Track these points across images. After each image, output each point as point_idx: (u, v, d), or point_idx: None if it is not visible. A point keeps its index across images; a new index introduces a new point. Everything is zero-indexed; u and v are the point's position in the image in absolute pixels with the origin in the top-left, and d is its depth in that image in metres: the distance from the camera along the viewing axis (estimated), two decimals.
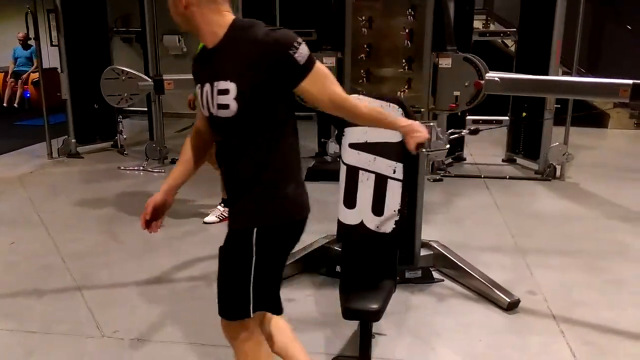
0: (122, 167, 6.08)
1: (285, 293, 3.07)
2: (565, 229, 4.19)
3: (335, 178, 5.55)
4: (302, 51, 1.58)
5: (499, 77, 2.94)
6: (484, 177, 5.48)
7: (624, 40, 8.14)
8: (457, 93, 2.99)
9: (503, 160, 6.22)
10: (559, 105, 5.45)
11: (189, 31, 1.68)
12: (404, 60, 3.04)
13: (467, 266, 3.19)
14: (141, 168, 6.04)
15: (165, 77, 3.02)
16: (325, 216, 4.45)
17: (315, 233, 3.74)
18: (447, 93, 3.01)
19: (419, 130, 1.78)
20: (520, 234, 4.04)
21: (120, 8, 8.14)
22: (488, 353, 2.56)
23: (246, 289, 1.69)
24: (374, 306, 2.11)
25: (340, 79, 3.09)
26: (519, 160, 6.12)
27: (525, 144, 5.96)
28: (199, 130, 1.86)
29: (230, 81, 1.58)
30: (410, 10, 2.99)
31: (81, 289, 3.22)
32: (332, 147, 5.78)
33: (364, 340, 2.22)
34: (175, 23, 1.69)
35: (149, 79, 3.15)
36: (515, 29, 6.03)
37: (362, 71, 3.10)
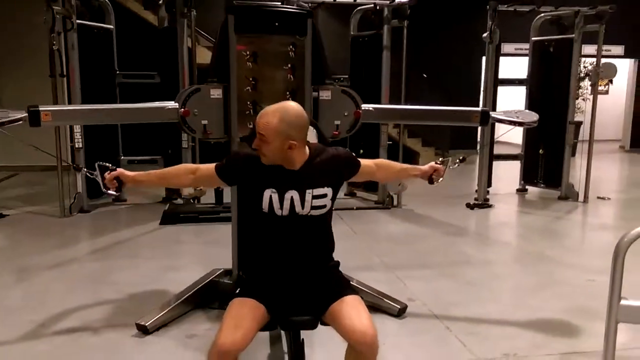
0: None
1: (184, 329, 3.04)
2: (416, 247, 4.72)
3: (191, 220, 5.53)
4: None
5: (373, 107, 3.32)
6: (335, 209, 5.87)
7: (421, 84, 9.56)
8: (337, 122, 3.29)
9: (345, 194, 6.74)
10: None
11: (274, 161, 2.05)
12: (287, 93, 3.23)
13: (356, 282, 3.41)
14: None
15: (42, 107, 2.75)
16: (197, 254, 4.41)
17: (194, 271, 3.66)
18: (328, 122, 3.28)
19: (438, 169, 2.48)
20: (384, 254, 4.44)
21: None
22: (394, 354, 2.78)
23: None
24: (310, 316, 2.18)
25: (227, 110, 3.17)
26: (359, 193, 6.70)
27: None
28: (195, 177, 2.23)
29: (327, 187, 2.08)
30: (291, 47, 3.23)
31: None
32: (187, 188, 5.69)
33: (297, 351, 2.26)
34: (264, 155, 2.04)
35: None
36: (347, 76, 6.69)
37: (248, 103, 3.21)
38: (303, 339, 2.28)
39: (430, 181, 2.52)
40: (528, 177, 7.03)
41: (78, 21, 5.57)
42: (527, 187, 7.09)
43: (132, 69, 6.42)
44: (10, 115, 2.71)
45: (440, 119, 3.34)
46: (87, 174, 2.53)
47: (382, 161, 2.47)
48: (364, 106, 3.26)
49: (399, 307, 3.20)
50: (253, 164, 2.09)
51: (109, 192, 2.32)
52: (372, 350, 1.97)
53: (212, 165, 2.19)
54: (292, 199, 2.03)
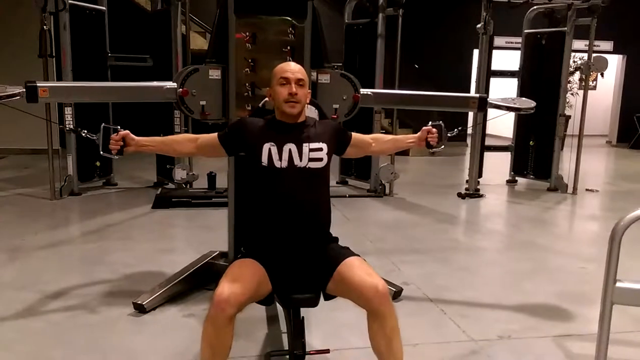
0: None
1: (181, 309, 3.04)
2: (409, 233, 4.75)
3: (184, 204, 5.50)
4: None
5: (371, 92, 3.32)
6: None
7: (412, 74, 9.59)
8: (336, 106, 3.29)
9: (337, 182, 6.76)
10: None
11: (292, 113, 2.20)
12: None
13: None
14: None
15: (39, 83, 2.72)
16: (191, 238, 4.41)
17: (188, 254, 3.67)
18: (327, 106, 3.27)
19: (431, 130, 2.43)
20: (376, 240, 4.47)
21: None
22: None
23: None
24: (311, 294, 2.20)
25: (225, 92, 3.16)
26: (351, 182, 6.73)
27: (356, 166, 6.59)
28: (197, 145, 2.33)
29: (322, 142, 2.20)
30: (290, 29, 3.21)
31: None
32: (179, 173, 5.67)
33: (297, 329, 2.26)
34: (287, 109, 2.19)
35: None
36: (341, 64, 6.68)
37: (247, 85, 3.20)
38: (303, 317, 2.30)
39: (429, 146, 2.46)
40: (518, 168, 7.10)
41: (70, 1, 5.50)
42: (517, 178, 7.17)
43: (124, 52, 6.35)
44: (7, 90, 2.68)
45: (438, 104, 3.35)
46: (88, 135, 2.51)
47: (377, 135, 2.61)
48: (363, 90, 3.26)
49: (394, 290, 3.23)
50: (253, 124, 2.26)
51: (109, 155, 2.30)
52: (387, 302, 2.01)
53: (214, 134, 2.31)
54: (290, 151, 2.14)
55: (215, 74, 3.16)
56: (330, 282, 2.13)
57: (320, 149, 2.18)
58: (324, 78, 3.29)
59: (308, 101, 2.31)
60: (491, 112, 3.42)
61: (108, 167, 6.34)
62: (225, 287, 1.93)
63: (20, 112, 2.84)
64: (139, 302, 2.96)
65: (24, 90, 2.68)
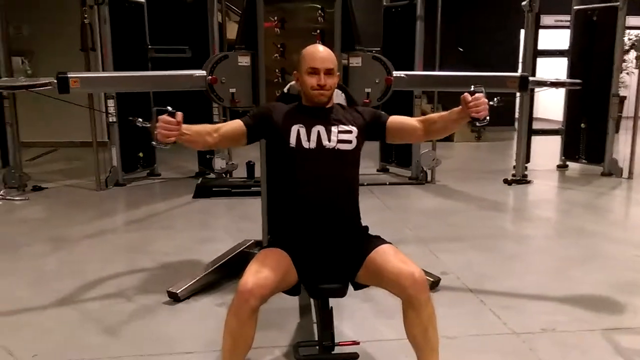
0: None
1: (214, 298, 3.03)
2: (450, 220, 4.60)
3: (224, 194, 5.54)
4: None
5: (405, 74, 3.20)
6: (367, 185, 5.79)
7: (457, 58, 9.31)
8: (368, 89, 3.19)
9: (378, 170, 6.65)
10: None
11: (321, 100, 2.14)
12: None
13: None
14: None
15: (70, 74, 2.75)
16: (230, 227, 4.43)
17: (226, 243, 3.67)
18: (359, 90, 3.18)
19: (478, 104, 1.94)
20: (416, 228, 4.35)
21: None
22: None
23: None
24: (340, 283, 2.13)
25: (255, 79, 3.11)
26: (392, 169, 6.60)
27: (397, 153, 6.45)
28: (220, 134, 2.16)
29: (352, 125, 2.15)
30: (320, 12, 3.13)
31: None
32: (219, 162, 5.70)
33: (326, 319, 2.21)
34: (316, 97, 2.13)
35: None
36: (379, 48, 6.54)
37: (276, 71, 3.14)
38: (332, 307, 2.24)
39: (475, 119, 1.95)
40: (569, 152, 6.78)
41: None
42: (568, 162, 6.85)
43: (164, 44, 6.42)
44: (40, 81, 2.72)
45: (475, 84, 3.18)
46: (143, 124, 2.48)
47: (426, 116, 2.24)
48: (396, 73, 3.14)
49: (432, 280, 3.11)
50: (281, 108, 2.22)
51: (162, 146, 1.98)
52: (424, 290, 1.92)
53: (237, 120, 2.19)
54: (318, 132, 2.10)
55: (244, 60, 3.12)
56: (361, 270, 2.05)
57: (350, 132, 2.13)
58: (356, 61, 3.19)
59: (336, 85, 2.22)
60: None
61: (151, 158, 6.45)
62: (250, 278, 1.89)
63: (71, 108, 2.86)
64: (173, 290, 2.98)
65: (55, 81, 2.71)
